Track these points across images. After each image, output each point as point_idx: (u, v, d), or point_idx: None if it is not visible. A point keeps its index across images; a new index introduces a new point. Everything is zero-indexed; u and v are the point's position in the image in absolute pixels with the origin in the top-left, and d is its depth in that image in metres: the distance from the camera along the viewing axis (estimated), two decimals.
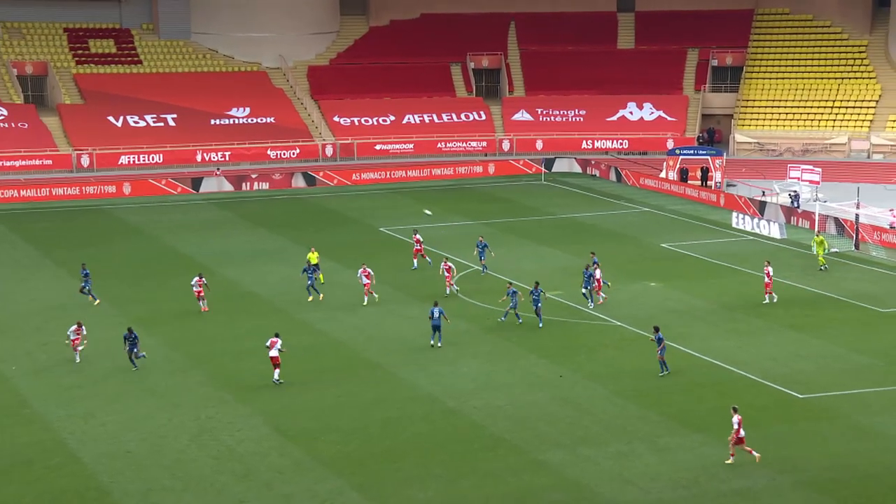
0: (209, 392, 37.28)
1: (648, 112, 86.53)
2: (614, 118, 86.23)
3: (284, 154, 79.38)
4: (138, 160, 75.91)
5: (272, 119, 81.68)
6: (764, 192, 68.81)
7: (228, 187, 72.66)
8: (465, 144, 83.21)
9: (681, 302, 48.21)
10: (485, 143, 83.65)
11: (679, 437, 33.85)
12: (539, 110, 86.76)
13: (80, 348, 39.80)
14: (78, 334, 39.80)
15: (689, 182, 73.07)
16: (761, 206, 65.10)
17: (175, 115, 79.96)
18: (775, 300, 47.30)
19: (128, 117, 78.86)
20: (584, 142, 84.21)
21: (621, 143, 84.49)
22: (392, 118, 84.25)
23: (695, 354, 41.25)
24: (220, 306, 46.19)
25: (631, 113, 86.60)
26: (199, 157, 77.17)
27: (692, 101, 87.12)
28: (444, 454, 32.68)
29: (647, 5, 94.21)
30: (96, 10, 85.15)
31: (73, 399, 36.45)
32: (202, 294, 45.81)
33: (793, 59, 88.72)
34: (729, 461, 31.65)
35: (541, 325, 44.10)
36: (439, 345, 41.47)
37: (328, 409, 35.98)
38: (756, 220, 62.26)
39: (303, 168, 76.69)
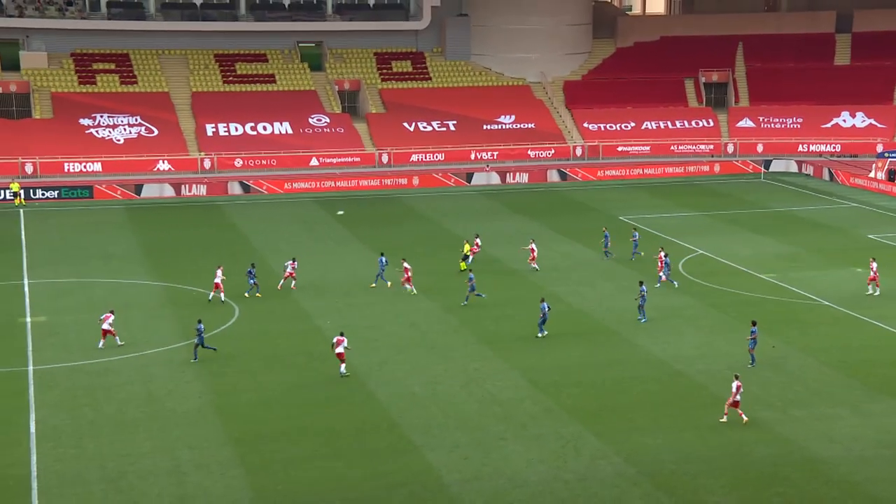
0: (476, 349, 37.83)
1: (860, 120, 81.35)
2: (829, 125, 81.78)
3: (542, 154, 79.37)
4: (425, 158, 77.78)
5: (533, 125, 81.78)
6: None
7: (496, 180, 73.32)
8: (694, 147, 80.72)
9: (885, 286, 45.05)
10: (712, 146, 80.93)
11: (882, 404, 31.82)
12: (761, 118, 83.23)
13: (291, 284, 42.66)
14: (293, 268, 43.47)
15: None
16: None
17: (455, 122, 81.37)
18: (877, 293, 43.43)
19: (418, 123, 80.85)
20: (801, 145, 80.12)
21: (834, 147, 79.86)
22: (633, 124, 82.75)
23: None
24: (487, 279, 46.77)
25: (844, 121, 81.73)
26: (472, 156, 78.26)
27: None
28: (671, 409, 31.94)
29: (864, 27, 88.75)
30: (399, 38, 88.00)
31: (371, 350, 37.79)
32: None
33: None
34: (722, 419, 30.76)
35: (643, 320, 40.04)
36: (544, 334, 38.17)
37: (572, 367, 35.82)
38: None
39: (556, 165, 76.54)
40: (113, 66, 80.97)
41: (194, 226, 59.90)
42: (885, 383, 33.62)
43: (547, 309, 38.85)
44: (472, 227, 58.58)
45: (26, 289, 45.47)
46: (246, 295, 44.06)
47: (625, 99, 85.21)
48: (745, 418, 30.82)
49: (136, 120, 76.72)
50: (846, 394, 32.94)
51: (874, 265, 44.37)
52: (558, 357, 36.87)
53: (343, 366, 34.96)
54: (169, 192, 68.44)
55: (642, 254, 49.71)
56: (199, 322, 36.79)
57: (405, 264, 44.89)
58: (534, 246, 48.67)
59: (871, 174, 70.49)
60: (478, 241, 51.22)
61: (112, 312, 38.03)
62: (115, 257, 51.07)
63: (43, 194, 66.86)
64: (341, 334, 35.45)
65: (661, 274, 45.38)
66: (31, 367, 35.48)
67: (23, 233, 56.59)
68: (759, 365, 35.54)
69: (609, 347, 37.76)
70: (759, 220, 60.41)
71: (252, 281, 44.31)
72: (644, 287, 40.99)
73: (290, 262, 45.64)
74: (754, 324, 36.07)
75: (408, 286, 44.54)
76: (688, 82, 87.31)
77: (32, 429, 30.55)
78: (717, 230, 57.51)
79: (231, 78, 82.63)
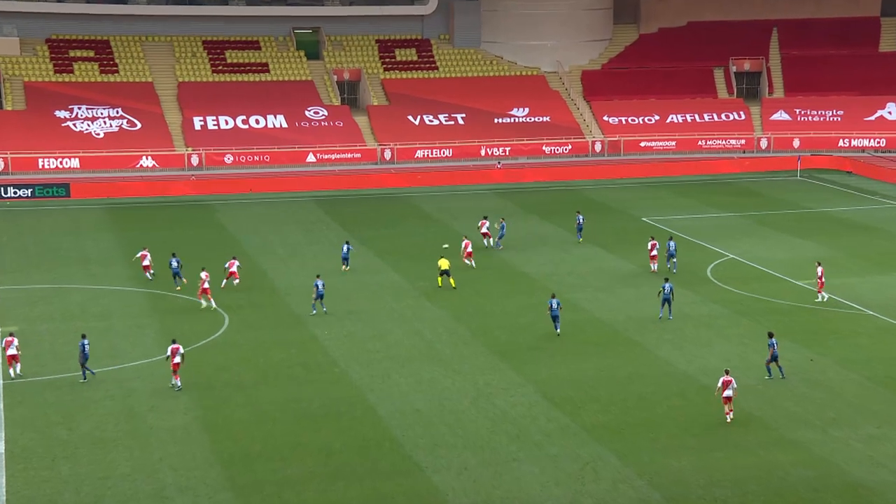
0: (486, 361, 37.78)
1: None
2: (872, 118, 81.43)
3: (557, 150, 79.33)
4: (431, 154, 77.81)
5: (548, 118, 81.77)
6: None
7: (509, 178, 73.32)
8: (724, 142, 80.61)
9: None
10: (743, 142, 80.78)
11: None
12: (797, 110, 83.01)
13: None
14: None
15: None
16: None
17: (464, 115, 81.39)
18: (825, 299, 43.49)
19: (424, 116, 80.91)
20: (841, 140, 79.86)
21: (878, 142, 79.56)
22: (657, 117, 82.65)
23: None
24: (496, 285, 46.68)
25: (890, 113, 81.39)
26: (482, 152, 78.27)
27: None
28: (698, 427, 31.83)
29: None
30: (403, 23, 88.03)
31: (372, 361, 37.79)
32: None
33: None
34: (728, 420, 31.82)
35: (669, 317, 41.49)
36: (557, 332, 39.73)
37: (590, 381, 35.74)
38: None
39: (574, 163, 76.45)
40: (92, 54, 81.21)
41: (181, 227, 59.98)
42: None
43: (556, 306, 39.65)
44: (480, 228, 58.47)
45: None
46: (178, 288, 45.74)
47: (648, 90, 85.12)
48: (730, 418, 31.77)
49: (117, 112, 76.90)
50: (892, 412, 32.78)
51: (820, 270, 44.40)
52: (576, 370, 36.79)
53: (177, 379, 34.62)
54: (153, 190, 68.64)
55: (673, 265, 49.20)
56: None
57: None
58: (485, 223, 51.87)
59: None
60: (485, 225, 53.27)
61: (13, 335, 35.97)
62: (94, 261, 51.14)
63: (15, 193, 67.07)
64: (174, 341, 34.92)
65: (652, 264, 47.74)
66: None
67: None
68: (796, 380, 35.39)
69: (631, 360, 37.65)
70: (795, 221, 60.26)
71: (176, 271, 45.82)
72: (668, 284, 41.57)
73: (231, 260, 46.86)
74: (771, 335, 35.74)
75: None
76: (717, 71, 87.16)
77: (1, 449, 30.55)
78: (749, 232, 57.34)
79: (221, 67, 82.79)
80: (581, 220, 55.28)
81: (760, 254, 52.07)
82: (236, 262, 46.84)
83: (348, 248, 49.96)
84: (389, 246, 52.06)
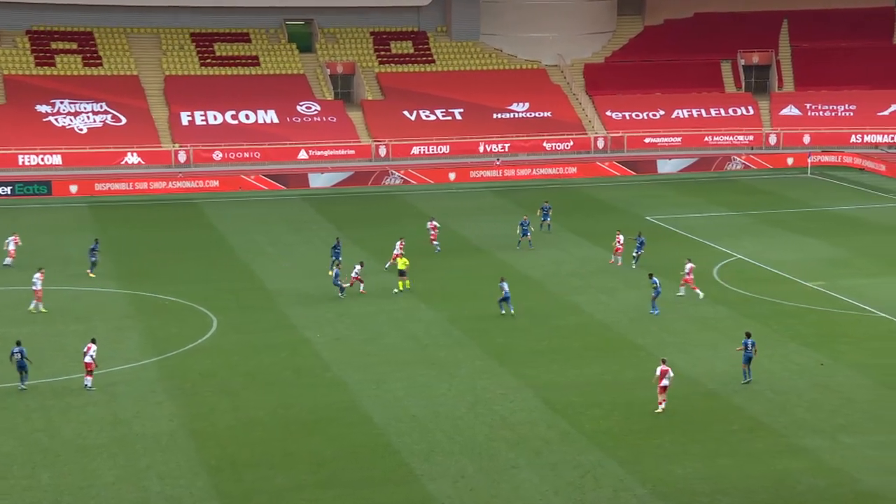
0: (484, 365, 37.81)
1: None
2: (886, 113, 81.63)
3: (559, 146, 79.36)
4: (427, 150, 77.83)
5: (549, 113, 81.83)
6: None
7: (507, 174, 73.29)
8: (731, 138, 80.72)
9: None
10: (751, 137, 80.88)
11: None
12: (808, 105, 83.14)
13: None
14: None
15: None
16: None
17: (462, 110, 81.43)
18: (700, 297, 44.35)
19: (420, 111, 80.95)
20: (854, 136, 79.98)
21: (892, 137, 79.72)
22: (662, 112, 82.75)
23: None
24: (493, 287, 46.69)
25: None
26: (481, 149, 78.30)
27: None
28: (703, 434, 31.87)
29: None
30: (399, 15, 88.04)
31: (366, 365, 37.79)
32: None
33: None
34: (658, 410, 32.89)
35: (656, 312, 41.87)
36: (511, 312, 42.24)
37: (592, 385, 35.78)
38: None
39: (576, 160, 76.54)
40: (74, 46, 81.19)
41: (167, 226, 59.98)
42: None
43: (507, 289, 42.60)
44: (475, 228, 58.53)
45: None
46: (89, 273, 47.44)
47: (653, 84, 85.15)
48: (661, 408, 32.79)
49: (101, 107, 76.88)
50: None
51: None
52: (576, 374, 36.83)
53: (90, 379, 34.84)
54: (138, 187, 68.64)
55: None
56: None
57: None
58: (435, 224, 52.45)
59: None
60: (433, 223, 53.80)
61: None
62: (75, 262, 51.12)
63: None
64: (93, 340, 35.30)
65: (617, 257, 49.51)
66: None
67: None
68: (806, 385, 35.43)
69: (633, 363, 37.69)
70: (805, 220, 60.34)
71: (93, 258, 46.70)
72: (655, 279, 42.49)
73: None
74: (748, 335, 35.76)
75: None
76: (725, 65, 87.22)
77: None
78: (756, 232, 57.40)
79: (209, 60, 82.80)
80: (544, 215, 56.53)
81: (768, 254, 52.14)
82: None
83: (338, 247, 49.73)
84: (383, 246, 52.07)
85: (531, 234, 53.89)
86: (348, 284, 45.47)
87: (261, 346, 39.74)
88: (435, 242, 53.20)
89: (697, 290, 44.74)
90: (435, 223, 54.03)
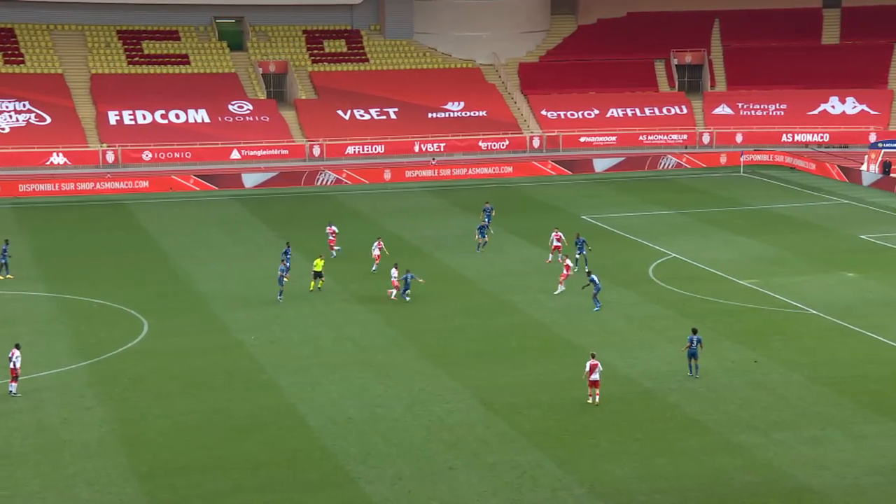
0: (421, 366, 37.81)
1: (851, 106, 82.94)
2: (815, 112, 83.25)
3: (494, 146, 79.70)
4: (362, 150, 77.68)
5: (484, 113, 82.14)
6: None
7: (443, 174, 73.44)
8: (665, 137, 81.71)
9: (879, 293, 45.96)
10: (685, 136, 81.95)
11: (875, 425, 32.31)
12: (740, 104, 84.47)
13: None
14: None
15: (891, 175, 69.47)
16: None
17: (396, 109, 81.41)
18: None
19: (354, 111, 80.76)
20: (785, 135, 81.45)
21: (822, 137, 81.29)
22: (596, 112, 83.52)
23: (892, 344, 39.24)
24: (433, 287, 46.75)
25: (833, 107, 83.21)
26: (416, 148, 78.37)
27: None
28: (640, 432, 32.17)
29: (855, 1, 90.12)
30: (331, 13, 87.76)
31: (301, 368, 37.60)
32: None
33: None
34: (589, 401, 33.85)
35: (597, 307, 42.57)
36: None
37: (529, 386, 35.95)
38: None
39: (511, 159, 76.86)
40: None
41: (95, 228, 59.12)
42: (880, 401, 34.22)
43: (410, 279, 44.04)
44: (415, 228, 58.59)
45: None
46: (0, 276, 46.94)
47: (587, 83, 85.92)
48: (595, 401, 33.68)
49: (24, 106, 75.56)
50: (836, 414, 33.45)
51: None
52: (514, 375, 36.98)
53: (14, 385, 34.29)
54: (64, 188, 67.57)
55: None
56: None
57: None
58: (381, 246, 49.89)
59: (864, 167, 71.81)
60: (332, 228, 52.82)
61: None
62: None
63: None
64: (17, 346, 34.73)
65: (558, 254, 48.98)
66: None
67: None
68: (740, 383, 35.96)
69: (571, 363, 37.93)
70: (739, 219, 61.23)
71: (3, 260, 46.45)
72: (594, 276, 43.21)
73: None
74: (695, 331, 36.29)
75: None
76: (658, 64, 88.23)
77: None
78: (691, 230, 58.15)
79: (137, 58, 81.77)
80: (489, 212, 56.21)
81: (703, 252, 52.82)
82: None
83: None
84: (318, 247, 51.81)
85: (488, 237, 53.64)
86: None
87: (193, 350, 39.34)
88: (336, 248, 51.93)
89: (561, 286, 45.21)
90: (334, 228, 52.88)
